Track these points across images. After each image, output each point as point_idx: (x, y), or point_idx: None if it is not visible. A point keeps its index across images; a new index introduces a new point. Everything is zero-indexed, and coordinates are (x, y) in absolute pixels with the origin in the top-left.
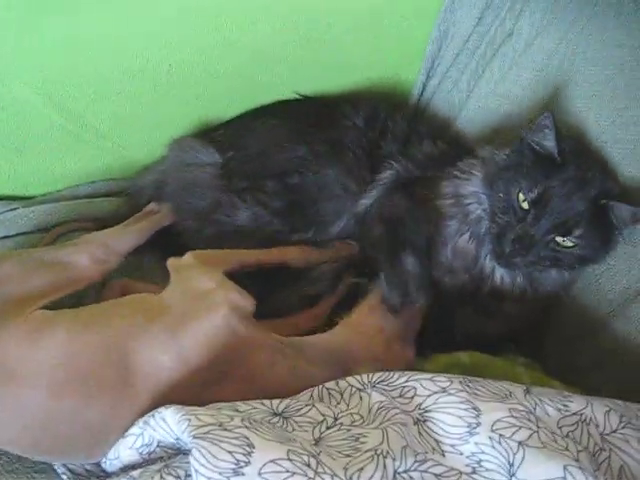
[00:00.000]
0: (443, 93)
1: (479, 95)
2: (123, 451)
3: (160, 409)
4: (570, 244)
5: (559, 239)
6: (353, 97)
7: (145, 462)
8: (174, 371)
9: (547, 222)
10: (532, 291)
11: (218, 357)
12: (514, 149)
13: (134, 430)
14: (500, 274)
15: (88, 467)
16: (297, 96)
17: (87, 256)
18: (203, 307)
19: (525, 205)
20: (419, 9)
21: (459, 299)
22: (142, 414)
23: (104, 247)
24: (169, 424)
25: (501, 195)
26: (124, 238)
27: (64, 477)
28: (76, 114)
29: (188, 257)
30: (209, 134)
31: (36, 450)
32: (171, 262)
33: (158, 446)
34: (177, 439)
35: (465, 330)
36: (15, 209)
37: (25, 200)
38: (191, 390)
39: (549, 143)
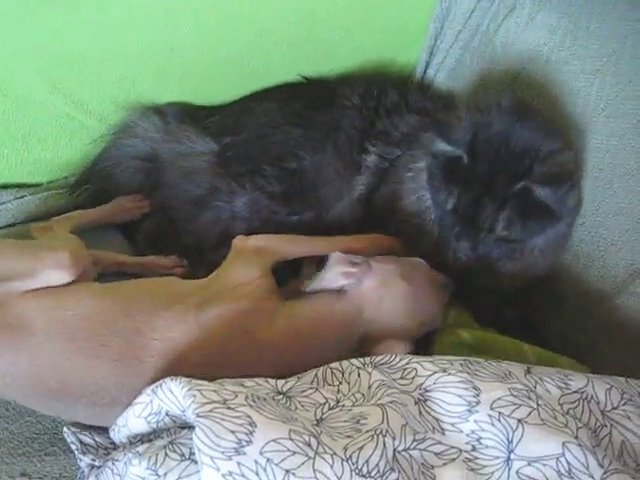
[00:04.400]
0: (446, 70)
1: (482, 71)
2: (132, 419)
3: (166, 380)
4: (504, 233)
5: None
6: (352, 77)
7: (153, 432)
8: (186, 347)
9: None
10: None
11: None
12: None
13: (143, 398)
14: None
15: (97, 439)
16: (296, 78)
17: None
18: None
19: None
20: None
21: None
22: (148, 385)
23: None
24: (176, 396)
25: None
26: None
27: (72, 447)
28: (79, 101)
29: (253, 241)
30: (203, 121)
31: (41, 395)
32: (236, 241)
33: (167, 415)
34: (184, 411)
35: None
36: (23, 197)
37: (32, 187)
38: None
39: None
